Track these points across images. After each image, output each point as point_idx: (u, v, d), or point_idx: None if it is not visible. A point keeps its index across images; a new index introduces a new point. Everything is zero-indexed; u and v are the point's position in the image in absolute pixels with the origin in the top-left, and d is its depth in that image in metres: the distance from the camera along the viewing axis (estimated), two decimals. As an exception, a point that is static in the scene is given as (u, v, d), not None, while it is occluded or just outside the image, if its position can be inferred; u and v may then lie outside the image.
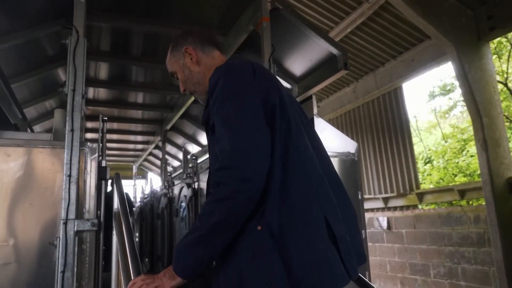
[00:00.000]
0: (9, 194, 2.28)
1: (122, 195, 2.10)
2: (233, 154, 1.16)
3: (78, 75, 2.46)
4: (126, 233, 1.60)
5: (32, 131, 4.57)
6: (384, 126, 7.79)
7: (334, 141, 3.29)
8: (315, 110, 3.29)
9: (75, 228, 2.27)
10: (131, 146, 9.75)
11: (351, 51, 7.48)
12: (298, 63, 3.92)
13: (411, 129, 7.73)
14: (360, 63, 7.87)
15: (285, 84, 4.24)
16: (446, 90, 12.59)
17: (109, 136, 8.41)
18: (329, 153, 3.02)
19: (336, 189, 1.37)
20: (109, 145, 9.21)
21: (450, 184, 7.99)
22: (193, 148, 7.60)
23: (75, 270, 2.22)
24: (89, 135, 8.03)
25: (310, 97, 3.37)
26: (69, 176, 2.31)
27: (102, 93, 6.06)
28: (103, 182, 2.55)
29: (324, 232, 1.19)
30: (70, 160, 2.33)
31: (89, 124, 7.44)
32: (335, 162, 3.22)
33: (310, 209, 1.21)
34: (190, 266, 1.19)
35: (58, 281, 2.17)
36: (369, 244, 7.81)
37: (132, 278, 1.41)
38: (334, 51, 3.37)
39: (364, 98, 8.28)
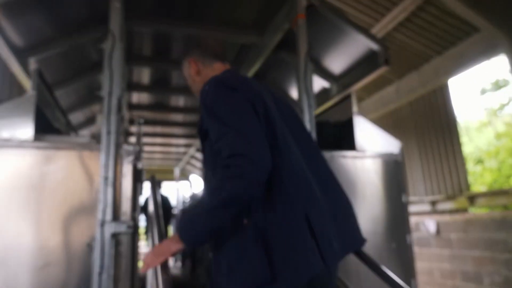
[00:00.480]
0: (49, 196, 2.33)
1: (155, 198, 2.09)
2: (240, 143, 1.29)
3: (114, 78, 2.49)
4: (157, 235, 1.58)
5: (77, 135, 4.72)
6: (430, 126, 7.42)
7: (375, 140, 3.12)
8: (354, 109, 3.14)
9: (111, 230, 2.28)
10: (173, 149, 9.93)
11: (394, 49, 7.20)
12: (337, 61, 3.79)
13: (460, 128, 7.31)
14: (403, 60, 7.56)
15: (323, 83, 4.12)
16: (498, 86, 11.82)
17: (152, 139, 8.64)
18: (370, 154, 2.88)
19: (327, 186, 1.53)
20: (152, 148, 9.42)
21: (505, 187, 7.46)
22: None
23: (112, 271, 2.23)
24: (134, 139, 8.26)
25: (348, 96, 3.23)
26: (106, 178, 2.34)
27: (145, 98, 6.18)
28: (139, 184, 2.56)
29: (303, 227, 1.33)
30: (107, 162, 2.36)
31: (134, 129, 7.64)
32: (377, 163, 3.07)
33: (291, 207, 1.35)
34: (195, 235, 1.32)
35: (95, 283, 2.19)
36: (416, 249, 7.46)
37: (160, 276, 1.38)
38: (374, 46, 3.22)
39: (407, 96, 7.94)
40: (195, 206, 1.36)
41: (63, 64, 4.02)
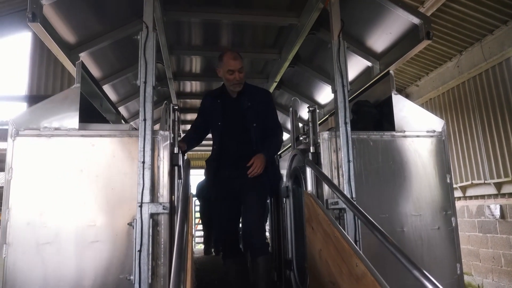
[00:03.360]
0: (94, 180, 2.53)
1: (186, 181, 2.19)
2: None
3: (148, 67, 2.61)
4: (179, 218, 1.67)
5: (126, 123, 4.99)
6: (495, 103, 6.85)
7: (416, 119, 2.97)
8: (393, 87, 3.00)
9: (149, 211, 2.43)
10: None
11: (452, 21, 6.72)
12: (378, 39, 3.64)
13: (530, 104, 6.68)
14: (463, 33, 7.02)
15: (366, 62, 3.98)
16: None
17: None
18: (410, 133, 2.79)
19: None
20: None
21: None
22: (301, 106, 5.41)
23: (150, 250, 2.38)
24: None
25: (387, 73, 3.09)
26: (143, 162, 2.48)
27: (195, 86, 6.32)
28: (176, 168, 2.68)
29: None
30: (144, 147, 2.50)
31: (189, 117, 7.86)
32: (417, 143, 2.93)
33: None
34: (272, 153, 3.08)
35: (135, 260, 2.35)
36: (479, 234, 7.03)
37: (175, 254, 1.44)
38: (415, 20, 3.05)
39: (469, 72, 7.39)
40: (273, 146, 3.08)
41: (117, 54, 4.23)
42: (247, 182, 2.85)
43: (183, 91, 6.43)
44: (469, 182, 7.31)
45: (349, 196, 2.60)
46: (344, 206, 2.61)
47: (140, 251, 2.36)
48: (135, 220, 2.41)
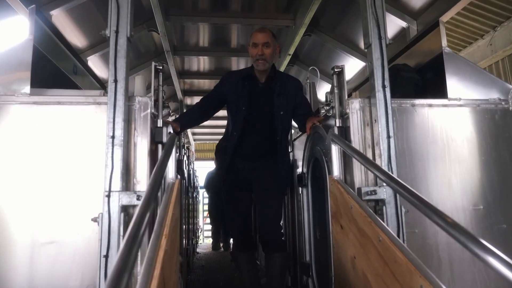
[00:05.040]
0: (50, 161, 1.92)
1: (163, 159, 1.56)
2: None
3: (121, 12, 1.98)
4: (139, 210, 1.05)
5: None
6: (536, 83, 6.10)
7: (475, 84, 2.28)
8: (444, 42, 2.32)
9: (120, 202, 1.80)
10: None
11: (486, -8, 5.96)
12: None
13: None
14: (498, 5, 6.24)
15: (401, 23, 3.29)
16: None
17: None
18: (468, 102, 2.12)
19: None
20: (215, 122, 8.95)
21: None
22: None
23: (121, 255, 1.76)
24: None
25: (436, 25, 2.39)
26: (112, 137, 1.85)
27: (204, 63, 5.61)
28: (159, 146, 2.05)
29: None
30: (113, 117, 1.87)
31: (196, 101, 7.11)
32: (477, 113, 2.24)
33: None
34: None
35: (101, 268, 1.73)
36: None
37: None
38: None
39: (504, 50, 6.64)
40: None
41: (103, 19, 3.60)
42: (263, 175, 2.66)
43: (188, 69, 5.72)
44: None
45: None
46: (382, 197, 1.95)
47: (106, 256, 1.73)
48: (100, 215, 1.78)
